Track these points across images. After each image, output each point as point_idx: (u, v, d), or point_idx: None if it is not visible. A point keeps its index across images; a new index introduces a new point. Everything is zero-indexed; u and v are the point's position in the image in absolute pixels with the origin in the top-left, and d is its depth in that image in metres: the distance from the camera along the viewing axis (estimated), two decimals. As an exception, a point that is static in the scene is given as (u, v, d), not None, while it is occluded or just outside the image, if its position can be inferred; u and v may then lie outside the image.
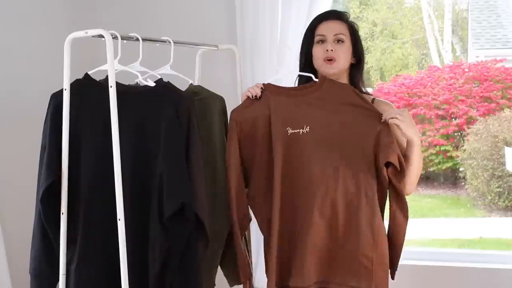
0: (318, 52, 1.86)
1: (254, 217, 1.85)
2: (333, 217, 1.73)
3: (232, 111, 1.86)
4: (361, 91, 1.91)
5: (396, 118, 1.71)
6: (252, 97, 1.83)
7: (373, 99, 1.88)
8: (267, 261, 1.81)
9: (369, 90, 1.99)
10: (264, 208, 1.80)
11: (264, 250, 1.83)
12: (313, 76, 1.86)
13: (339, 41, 1.84)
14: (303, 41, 1.92)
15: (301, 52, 1.93)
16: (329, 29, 1.85)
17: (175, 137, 1.74)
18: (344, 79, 1.91)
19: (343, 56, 1.85)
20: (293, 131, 1.78)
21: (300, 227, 1.76)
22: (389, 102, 1.91)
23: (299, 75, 1.94)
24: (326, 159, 1.74)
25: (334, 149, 1.74)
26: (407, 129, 1.72)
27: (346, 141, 1.74)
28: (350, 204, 1.73)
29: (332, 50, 1.83)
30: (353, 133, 1.75)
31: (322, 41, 1.85)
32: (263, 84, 1.86)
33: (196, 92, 2.05)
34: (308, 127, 1.77)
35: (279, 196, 1.77)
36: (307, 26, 1.95)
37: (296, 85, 1.98)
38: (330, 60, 1.84)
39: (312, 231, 1.73)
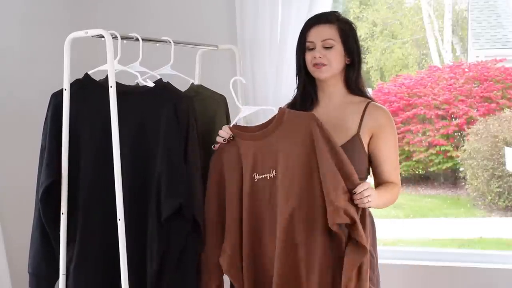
0: (308, 59, 1.87)
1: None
2: (296, 265, 1.68)
3: (211, 158, 1.82)
4: (359, 92, 1.90)
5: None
6: (224, 141, 1.79)
7: (368, 103, 1.86)
8: None
9: (369, 90, 1.98)
10: (234, 260, 1.75)
11: None
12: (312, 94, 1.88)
13: (328, 47, 1.83)
14: (296, 45, 1.92)
15: (296, 57, 1.93)
16: (317, 35, 1.84)
17: (174, 137, 1.74)
18: (339, 81, 1.90)
19: (334, 60, 1.84)
20: (260, 177, 1.74)
21: (269, 278, 1.72)
22: (384, 107, 1.89)
23: (299, 78, 1.94)
24: (289, 204, 1.68)
25: (295, 192, 1.68)
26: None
27: (304, 183, 1.68)
28: (313, 250, 1.68)
29: (320, 57, 1.83)
30: (310, 175, 1.68)
31: (312, 48, 1.85)
32: (229, 128, 1.80)
33: (197, 92, 2.05)
34: (275, 171, 1.72)
35: (248, 245, 1.74)
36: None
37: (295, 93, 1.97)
38: (319, 65, 1.83)
39: (279, 280, 1.68)
